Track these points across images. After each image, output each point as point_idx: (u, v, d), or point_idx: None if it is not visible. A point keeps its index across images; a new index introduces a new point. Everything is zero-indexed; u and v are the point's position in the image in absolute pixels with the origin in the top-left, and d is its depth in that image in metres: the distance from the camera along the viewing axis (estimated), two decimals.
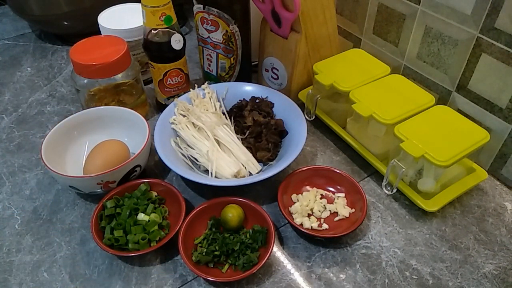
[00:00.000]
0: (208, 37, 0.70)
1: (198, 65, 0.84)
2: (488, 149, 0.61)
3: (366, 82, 0.64)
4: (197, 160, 0.61)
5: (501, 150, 0.60)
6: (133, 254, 0.50)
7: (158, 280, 0.50)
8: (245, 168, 0.60)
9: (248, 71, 0.77)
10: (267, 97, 0.69)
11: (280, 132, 0.65)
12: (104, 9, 0.77)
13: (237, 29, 0.68)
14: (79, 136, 0.63)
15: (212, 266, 0.50)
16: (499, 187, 0.61)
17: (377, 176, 0.63)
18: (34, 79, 0.83)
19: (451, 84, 0.64)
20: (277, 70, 0.72)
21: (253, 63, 0.78)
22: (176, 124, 0.64)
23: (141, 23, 0.64)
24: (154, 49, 0.66)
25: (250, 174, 0.60)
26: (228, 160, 0.60)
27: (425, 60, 0.66)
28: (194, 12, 0.68)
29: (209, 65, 0.75)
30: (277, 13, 0.65)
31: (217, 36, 0.69)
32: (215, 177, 0.59)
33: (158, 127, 0.63)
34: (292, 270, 0.51)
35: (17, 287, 0.50)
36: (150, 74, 0.72)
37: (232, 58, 0.72)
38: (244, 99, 0.70)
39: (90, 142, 0.63)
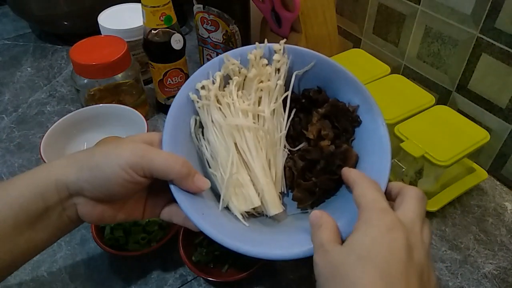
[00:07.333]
0: (208, 37, 0.70)
1: (198, 65, 0.84)
2: (488, 149, 0.61)
3: (366, 82, 0.64)
4: (209, 166, 0.42)
5: (501, 150, 0.60)
6: (133, 254, 0.50)
7: (158, 280, 0.50)
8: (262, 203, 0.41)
9: None
10: (358, 106, 0.44)
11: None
12: (104, 9, 0.77)
13: (237, 29, 0.68)
14: (78, 134, 0.63)
15: (212, 266, 0.50)
16: (499, 187, 0.61)
17: None
18: (34, 79, 0.83)
19: (451, 84, 0.64)
20: None
21: None
22: (201, 99, 0.42)
23: (141, 23, 0.64)
24: (154, 49, 0.66)
25: (263, 214, 0.42)
26: (251, 188, 0.41)
27: (425, 60, 0.66)
28: (194, 12, 0.68)
29: None
30: (277, 13, 0.65)
31: (217, 36, 0.69)
32: (226, 208, 0.41)
33: (178, 98, 0.42)
34: (292, 270, 0.51)
35: (17, 287, 0.50)
36: (150, 74, 0.72)
37: None
38: (323, 89, 0.45)
39: (89, 141, 0.63)
